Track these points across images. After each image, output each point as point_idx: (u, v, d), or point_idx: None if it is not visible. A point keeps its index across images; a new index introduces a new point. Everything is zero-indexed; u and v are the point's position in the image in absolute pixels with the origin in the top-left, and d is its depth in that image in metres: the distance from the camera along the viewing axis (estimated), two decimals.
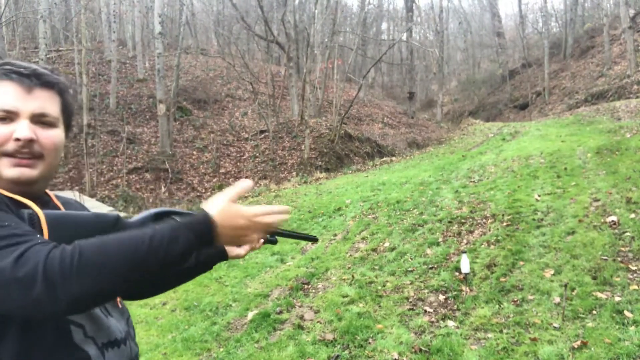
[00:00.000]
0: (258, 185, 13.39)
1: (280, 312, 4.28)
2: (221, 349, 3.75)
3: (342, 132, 16.12)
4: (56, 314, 0.76)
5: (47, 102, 0.93)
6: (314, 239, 1.32)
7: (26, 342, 0.82)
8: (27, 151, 0.89)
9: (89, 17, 24.01)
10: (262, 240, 1.08)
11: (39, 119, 0.91)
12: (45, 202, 0.98)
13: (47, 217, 0.84)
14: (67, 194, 0.98)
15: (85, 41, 20.70)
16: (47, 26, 15.19)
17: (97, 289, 0.74)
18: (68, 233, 0.81)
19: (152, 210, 0.96)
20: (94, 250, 0.74)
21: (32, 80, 0.91)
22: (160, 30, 14.87)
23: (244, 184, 0.87)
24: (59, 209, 1.00)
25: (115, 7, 19.86)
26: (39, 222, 0.83)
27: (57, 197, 1.04)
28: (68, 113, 0.99)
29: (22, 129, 0.88)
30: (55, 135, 0.94)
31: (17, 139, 0.88)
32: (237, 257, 1.15)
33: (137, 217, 0.97)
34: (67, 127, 1.00)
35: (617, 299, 3.61)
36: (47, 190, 1.02)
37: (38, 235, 0.79)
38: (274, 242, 1.18)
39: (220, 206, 0.83)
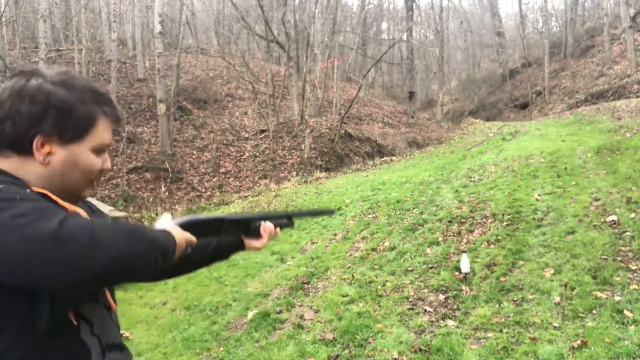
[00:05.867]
0: (258, 184, 13.39)
1: (280, 312, 4.28)
2: (221, 349, 3.75)
3: (342, 131, 16.11)
4: (86, 280, 0.77)
5: None
6: (330, 212, 1.49)
7: (31, 329, 0.83)
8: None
9: (89, 17, 24.02)
10: (278, 229, 1.22)
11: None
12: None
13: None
14: None
15: (85, 41, 20.76)
16: (47, 26, 15.17)
17: (130, 255, 0.81)
18: None
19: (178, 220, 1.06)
20: (122, 227, 0.85)
21: (117, 119, 1.02)
22: (160, 29, 14.85)
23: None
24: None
25: (115, 6, 19.81)
26: None
27: None
28: None
29: (109, 161, 1.04)
30: None
31: (103, 170, 1.01)
32: (255, 249, 1.25)
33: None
34: None
35: (617, 298, 3.61)
36: None
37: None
38: (292, 226, 1.27)
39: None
